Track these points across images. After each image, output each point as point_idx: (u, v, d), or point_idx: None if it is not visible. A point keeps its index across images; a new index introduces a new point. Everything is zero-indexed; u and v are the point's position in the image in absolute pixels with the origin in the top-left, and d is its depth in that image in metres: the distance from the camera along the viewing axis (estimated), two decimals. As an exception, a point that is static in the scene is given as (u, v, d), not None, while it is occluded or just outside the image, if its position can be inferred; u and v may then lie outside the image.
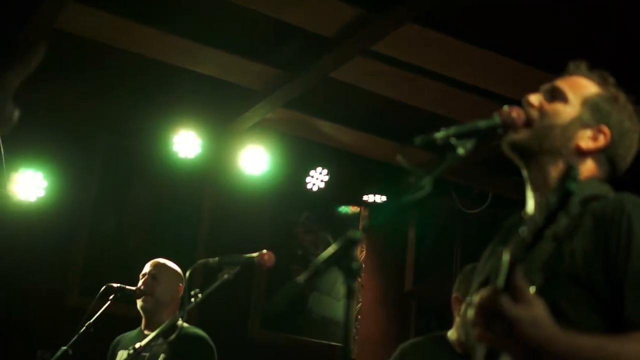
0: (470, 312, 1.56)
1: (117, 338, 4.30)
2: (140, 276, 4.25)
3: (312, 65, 5.06)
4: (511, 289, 1.49)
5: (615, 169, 1.98)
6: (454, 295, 3.52)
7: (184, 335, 4.03)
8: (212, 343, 4.12)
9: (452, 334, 3.51)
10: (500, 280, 1.51)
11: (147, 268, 4.28)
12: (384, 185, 6.83)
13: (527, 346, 1.50)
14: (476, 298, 1.55)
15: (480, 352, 1.74)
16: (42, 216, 5.58)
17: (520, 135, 1.93)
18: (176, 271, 4.30)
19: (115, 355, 4.15)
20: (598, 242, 1.71)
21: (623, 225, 1.70)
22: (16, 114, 1.44)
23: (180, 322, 3.92)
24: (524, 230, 1.47)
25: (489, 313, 1.51)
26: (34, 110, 5.53)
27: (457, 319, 3.50)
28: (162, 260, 4.34)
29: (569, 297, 1.70)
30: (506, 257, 1.50)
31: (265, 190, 6.45)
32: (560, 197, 1.40)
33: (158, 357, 4.01)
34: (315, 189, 6.51)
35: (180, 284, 4.22)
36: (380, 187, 6.86)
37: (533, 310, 1.51)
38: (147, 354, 3.99)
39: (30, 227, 5.56)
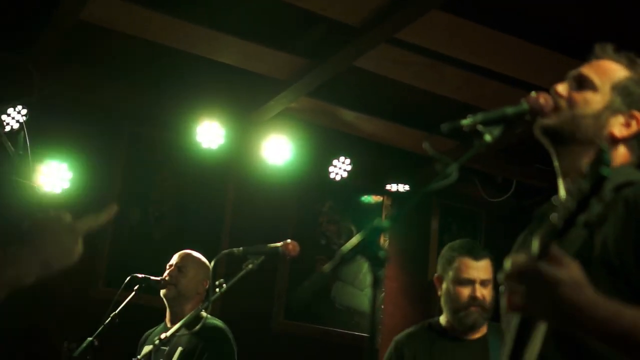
0: (501, 280, 1.52)
1: (145, 334, 4.30)
2: (167, 266, 4.24)
3: (336, 53, 5.04)
4: (547, 257, 1.45)
5: None
6: (435, 275, 3.57)
7: (204, 327, 4.03)
8: (230, 335, 4.09)
9: (442, 319, 3.55)
10: None
11: (174, 259, 4.25)
12: (407, 174, 6.80)
13: (566, 310, 1.46)
14: (507, 264, 1.50)
15: (513, 323, 1.69)
16: (67, 208, 5.59)
17: (552, 120, 1.91)
18: (204, 264, 4.25)
19: (141, 351, 4.15)
20: (629, 228, 1.69)
21: None
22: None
23: (203, 313, 3.92)
24: (554, 217, 1.44)
25: (526, 276, 1.46)
26: (58, 101, 5.56)
27: (442, 298, 3.53)
28: (190, 252, 4.31)
29: (601, 284, 1.67)
30: (536, 244, 1.47)
31: (289, 180, 6.45)
32: (592, 183, 1.37)
33: (176, 349, 4.01)
34: (338, 178, 6.50)
35: (207, 279, 4.14)
36: (403, 176, 6.84)
37: (573, 272, 1.46)
38: (167, 348, 3.99)
39: (56, 218, 5.58)
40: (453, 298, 3.45)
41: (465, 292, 3.42)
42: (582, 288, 1.46)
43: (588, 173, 1.39)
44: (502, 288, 1.54)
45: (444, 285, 3.50)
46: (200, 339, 3.99)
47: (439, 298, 3.56)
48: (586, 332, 1.50)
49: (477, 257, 3.44)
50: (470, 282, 3.42)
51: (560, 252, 1.47)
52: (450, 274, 3.47)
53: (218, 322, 4.15)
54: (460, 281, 3.43)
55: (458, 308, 3.44)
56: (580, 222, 1.41)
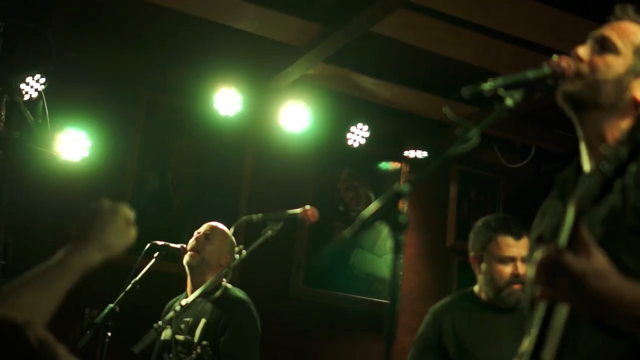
0: (531, 271, 1.54)
1: (167, 305, 4.34)
2: (195, 233, 4.28)
3: (353, 19, 5.00)
4: (575, 243, 1.47)
5: None
6: (471, 254, 3.55)
7: (226, 299, 4.05)
8: (253, 307, 4.13)
9: (478, 289, 3.55)
10: (564, 235, 1.48)
11: (202, 228, 4.32)
12: (425, 140, 6.78)
13: (593, 299, 1.48)
14: (536, 256, 1.53)
15: (539, 310, 1.71)
16: (86, 176, 5.62)
17: (575, 86, 1.88)
18: (230, 238, 4.29)
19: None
20: None
21: None
22: None
23: (227, 284, 3.94)
24: (591, 182, 1.44)
25: (551, 270, 1.49)
26: (77, 70, 5.56)
27: (480, 277, 3.52)
28: (219, 224, 4.36)
29: (631, 249, 1.67)
30: (571, 210, 1.47)
31: (307, 147, 6.44)
32: (631, 148, 1.36)
33: (200, 321, 4.04)
34: (356, 145, 6.48)
35: (230, 253, 4.14)
36: (421, 142, 6.81)
37: (596, 262, 1.48)
38: (190, 319, 4.03)
39: (75, 187, 5.60)
40: (495, 277, 3.45)
41: (507, 270, 3.43)
42: (606, 277, 1.48)
43: (626, 139, 1.38)
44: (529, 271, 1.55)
45: (483, 266, 3.49)
46: (223, 312, 4.02)
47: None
48: (617, 318, 1.53)
49: (517, 236, 3.44)
50: (512, 260, 3.42)
51: (587, 238, 1.48)
52: (490, 253, 3.46)
53: (241, 293, 4.17)
54: (502, 259, 3.43)
55: (501, 287, 3.44)
56: (617, 188, 1.40)
